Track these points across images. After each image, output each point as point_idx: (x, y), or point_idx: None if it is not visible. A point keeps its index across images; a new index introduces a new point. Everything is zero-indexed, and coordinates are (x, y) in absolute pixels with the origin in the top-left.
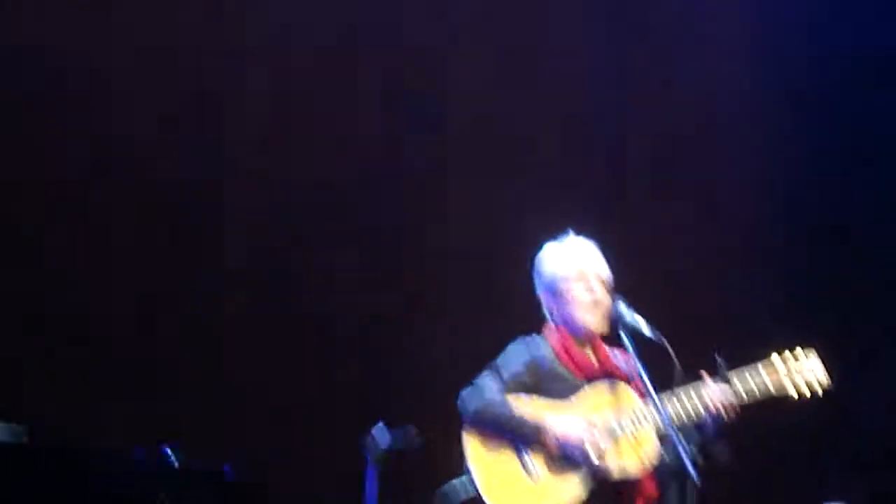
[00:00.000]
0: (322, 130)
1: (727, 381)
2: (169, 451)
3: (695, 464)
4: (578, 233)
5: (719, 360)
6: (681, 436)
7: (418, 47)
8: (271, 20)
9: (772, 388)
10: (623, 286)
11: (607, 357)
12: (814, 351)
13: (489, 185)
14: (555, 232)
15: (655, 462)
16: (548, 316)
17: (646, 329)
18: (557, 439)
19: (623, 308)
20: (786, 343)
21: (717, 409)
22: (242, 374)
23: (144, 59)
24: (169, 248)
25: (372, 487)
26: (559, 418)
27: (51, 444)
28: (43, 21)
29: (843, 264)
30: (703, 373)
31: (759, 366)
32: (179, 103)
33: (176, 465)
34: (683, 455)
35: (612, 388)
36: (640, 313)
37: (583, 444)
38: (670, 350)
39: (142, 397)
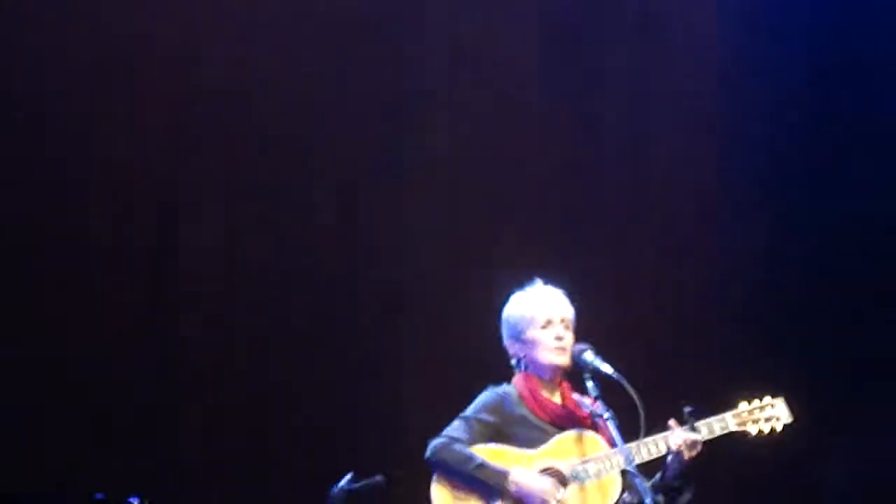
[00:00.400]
0: None
1: (694, 429)
2: (134, 501)
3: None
4: (545, 281)
5: (686, 410)
6: (643, 479)
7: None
8: None
9: (736, 431)
10: (589, 331)
11: (573, 402)
12: (782, 398)
13: (457, 236)
14: (522, 282)
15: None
16: (514, 363)
17: (610, 372)
18: (520, 488)
19: (588, 352)
20: (752, 386)
21: (680, 450)
22: (207, 421)
23: None
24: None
25: None
26: (522, 468)
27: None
28: None
29: (814, 305)
30: (671, 422)
31: (727, 415)
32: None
33: None
34: (644, 493)
35: (578, 434)
36: (605, 357)
37: (544, 493)
38: (634, 393)
39: (104, 445)
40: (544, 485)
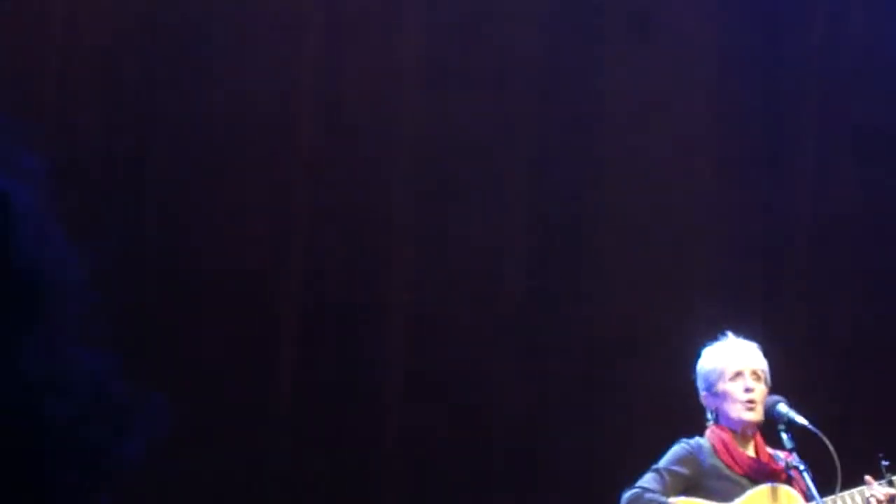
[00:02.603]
0: None
1: (892, 483)
2: None
3: None
4: (736, 334)
5: (883, 462)
6: None
7: None
8: None
9: None
10: (783, 386)
11: (767, 455)
12: None
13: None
14: (714, 335)
15: None
16: (708, 416)
17: (805, 423)
18: None
19: (782, 404)
20: None
21: None
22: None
23: None
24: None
25: None
26: None
27: None
28: None
29: None
30: (868, 477)
31: None
32: None
33: None
34: None
35: (774, 488)
36: (799, 410)
37: None
38: (831, 447)
39: None
40: None
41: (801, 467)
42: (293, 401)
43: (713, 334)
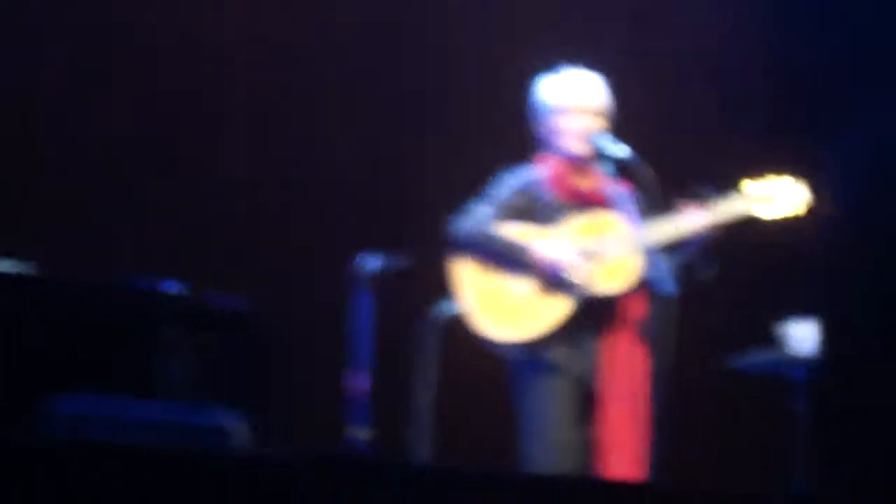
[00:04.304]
0: None
1: (708, 208)
2: (170, 284)
3: (674, 279)
4: (577, 64)
5: (702, 188)
6: (661, 258)
7: None
8: None
9: (752, 212)
10: (620, 117)
11: (597, 185)
12: (798, 179)
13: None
14: (553, 64)
15: (637, 281)
16: (540, 145)
17: (626, 155)
18: (542, 261)
19: (605, 137)
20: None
21: (698, 230)
22: (230, 202)
23: None
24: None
25: (364, 311)
26: (545, 241)
27: (51, 276)
28: None
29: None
30: (686, 201)
31: (741, 191)
32: None
33: (175, 295)
34: (660, 270)
35: (599, 214)
36: (625, 141)
37: (566, 264)
38: (648, 175)
39: (135, 229)
40: (567, 258)
41: (625, 196)
42: None
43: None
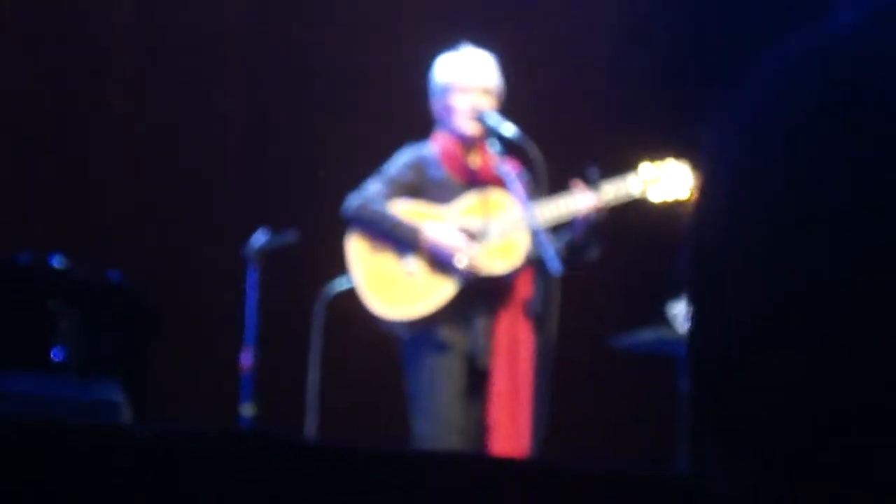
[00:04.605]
0: None
1: (597, 189)
2: (56, 258)
3: (560, 259)
4: (476, 44)
5: (590, 169)
6: (548, 235)
7: None
8: None
9: (638, 194)
10: (513, 98)
11: (487, 163)
12: (686, 162)
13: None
14: (453, 43)
15: (523, 262)
16: (436, 123)
17: (515, 136)
18: (431, 242)
19: (493, 116)
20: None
21: (585, 211)
22: (120, 179)
23: None
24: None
25: (252, 287)
26: (435, 223)
27: None
28: None
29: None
30: (575, 181)
31: (630, 174)
32: None
33: (64, 270)
34: (546, 249)
35: (488, 193)
36: (513, 120)
37: (453, 247)
38: (536, 155)
39: (23, 205)
40: (455, 240)
41: (513, 175)
42: None
43: (452, 41)
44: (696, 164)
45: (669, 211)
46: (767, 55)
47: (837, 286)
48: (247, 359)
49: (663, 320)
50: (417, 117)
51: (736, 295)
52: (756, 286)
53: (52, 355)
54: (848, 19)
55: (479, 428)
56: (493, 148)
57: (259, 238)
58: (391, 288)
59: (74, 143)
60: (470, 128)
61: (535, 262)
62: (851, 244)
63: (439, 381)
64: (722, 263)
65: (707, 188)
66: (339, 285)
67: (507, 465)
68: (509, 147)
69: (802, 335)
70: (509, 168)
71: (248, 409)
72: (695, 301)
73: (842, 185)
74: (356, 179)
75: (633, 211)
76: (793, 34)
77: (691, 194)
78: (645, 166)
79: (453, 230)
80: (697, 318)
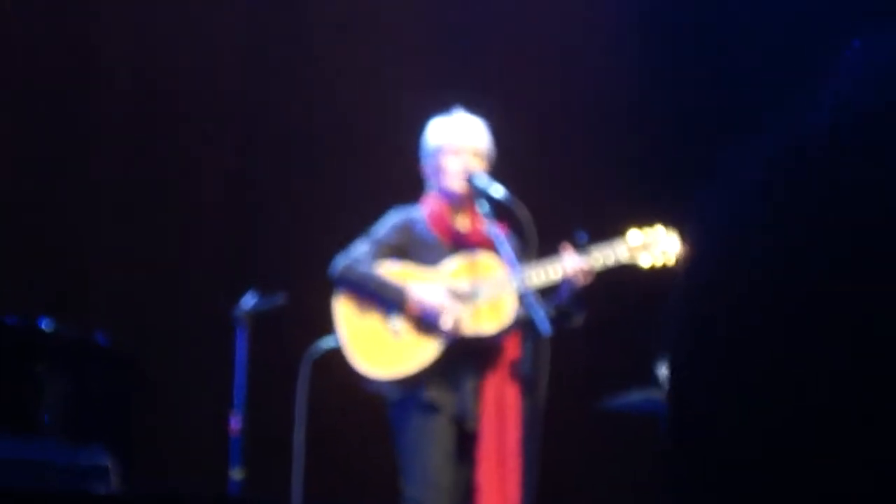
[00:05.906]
0: None
1: (586, 253)
2: (44, 321)
3: (548, 320)
4: (468, 108)
5: (579, 233)
6: (536, 297)
7: None
8: None
9: (626, 260)
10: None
11: (475, 225)
12: (675, 230)
13: (377, 60)
14: (444, 108)
15: (511, 323)
16: (426, 185)
17: (504, 198)
18: (416, 303)
19: (483, 177)
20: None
21: (573, 275)
22: (109, 241)
23: None
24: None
25: (241, 349)
26: (421, 284)
27: None
28: None
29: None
30: (564, 245)
31: (618, 240)
32: None
33: (52, 332)
34: (535, 311)
35: (477, 256)
36: (502, 182)
37: (439, 307)
38: (525, 217)
39: (11, 267)
40: (441, 300)
41: (502, 238)
42: None
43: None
44: (684, 234)
45: (658, 275)
46: (745, 150)
47: (818, 363)
48: (236, 422)
49: (652, 381)
50: (407, 180)
51: (713, 360)
52: (742, 356)
53: (39, 419)
54: (819, 120)
55: (468, 490)
56: (482, 209)
57: (248, 301)
58: (376, 348)
59: (62, 205)
60: (458, 187)
61: (523, 324)
62: (827, 321)
63: (426, 443)
64: (708, 336)
65: (691, 256)
66: (326, 344)
67: None
68: (498, 209)
69: (787, 402)
70: (498, 230)
71: (237, 474)
72: (669, 362)
73: (816, 266)
74: (344, 241)
75: (622, 274)
76: (768, 132)
77: (678, 261)
78: (633, 232)
79: (440, 290)
80: (672, 379)
